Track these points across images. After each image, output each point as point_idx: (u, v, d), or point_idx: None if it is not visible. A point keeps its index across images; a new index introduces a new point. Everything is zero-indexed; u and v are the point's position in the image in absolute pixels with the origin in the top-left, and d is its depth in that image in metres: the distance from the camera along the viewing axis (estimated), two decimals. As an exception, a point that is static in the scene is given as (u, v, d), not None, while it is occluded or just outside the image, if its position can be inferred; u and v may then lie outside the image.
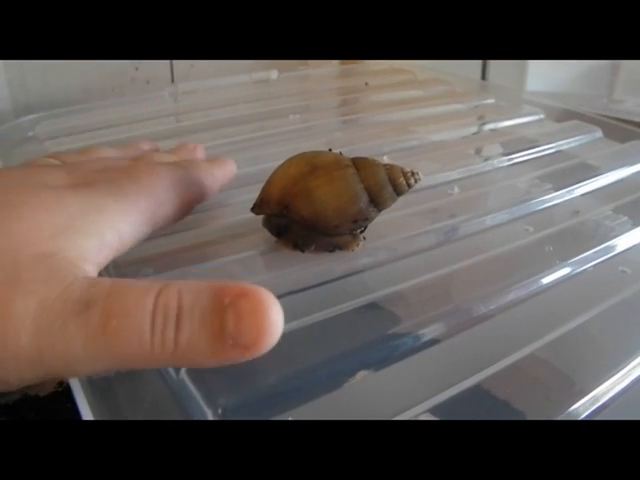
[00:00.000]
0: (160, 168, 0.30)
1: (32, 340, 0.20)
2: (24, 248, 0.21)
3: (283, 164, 0.30)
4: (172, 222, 0.30)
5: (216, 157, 0.37)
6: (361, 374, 0.24)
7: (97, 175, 0.28)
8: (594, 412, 0.23)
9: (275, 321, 0.20)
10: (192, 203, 0.31)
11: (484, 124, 0.55)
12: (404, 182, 0.30)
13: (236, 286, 0.20)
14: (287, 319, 0.20)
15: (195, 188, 0.31)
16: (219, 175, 0.34)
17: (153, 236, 0.28)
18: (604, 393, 0.24)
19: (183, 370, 0.22)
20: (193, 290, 0.20)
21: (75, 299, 0.20)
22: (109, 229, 0.25)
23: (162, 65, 0.66)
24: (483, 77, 0.79)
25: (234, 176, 0.37)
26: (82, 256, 0.23)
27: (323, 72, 0.70)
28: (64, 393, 0.50)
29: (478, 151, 0.49)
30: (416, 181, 0.30)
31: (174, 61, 0.66)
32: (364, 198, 0.29)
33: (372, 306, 0.28)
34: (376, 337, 0.25)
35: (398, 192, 0.30)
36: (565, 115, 0.55)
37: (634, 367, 0.25)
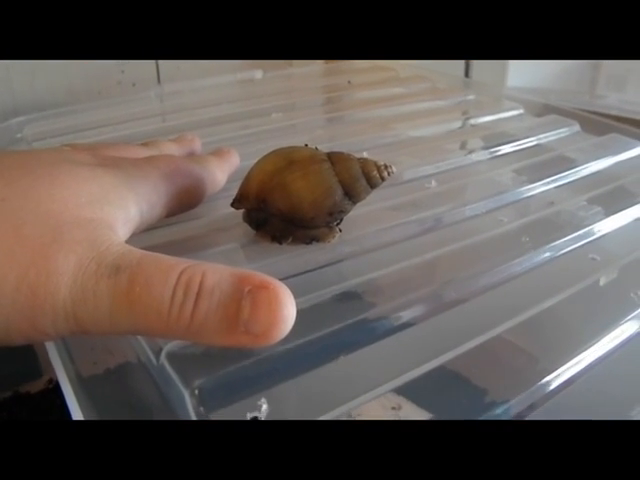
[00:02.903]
0: (178, 159, 0.33)
1: (68, 294, 0.21)
2: (65, 211, 0.23)
3: (260, 160, 0.31)
4: (186, 210, 0.33)
5: (219, 149, 0.39)
6: (335, 356, 0.25)
7: (120, 159, 0.30)
8: (558, 388, 0.24)
9: (287, 317, 0.21)
10: (205, 194, 0.34)
11: (464, 120, 0.56)
12: (377, 175, 0.31)
13: (258, 277, 0.22)
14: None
15: (208, 180, 0.34)
16: (226, 168, 0.37)
17: (139, 232, 0.29)
18: (567, 371, 0.25)
19: (163, 355, 0.23)
20: (217, 273, 0.22)
21: (108, 263, 0.22)
22: (134, 205, 0.27)
23: (148, 67, 0.66)
24: (466, 74, 0.80)
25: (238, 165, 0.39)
26: (113, 224, 0.25)
27: (307, 71, 0.70)
28: (54, 390, 0.51)
29: (457, 146, 0.50)
30: (389, 174, 0.31)
31: (160, 63, 0.67)
32: (339, 191, 0.30)
33: (348, 294, 0.29)
34: (351, 321, 0.26)
35: (372, 185, 0.31)
36: (544, 110, 0.56)
37: (598, 347, 0.26)
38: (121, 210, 0.26)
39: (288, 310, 0.22)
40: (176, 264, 0.22)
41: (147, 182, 0.29)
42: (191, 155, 0.39)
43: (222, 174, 0.36)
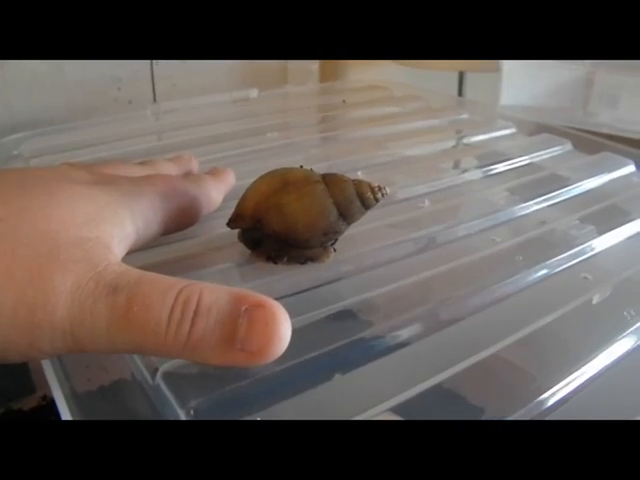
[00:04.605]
0: (175, 178, 0.33)
1: (66, 313, 0.22)
2: (62, 231, 0.23)
3: (256, 181, 0.32)
4: (182, 228, 0.33)
5: (215, 168, 0.39)
6: (330, 376, 0.25)
7: (116, 177, 0.30)
8: (554, 406, 0.24)
9: (283, 335, 0.22)
10: (201, 213, 0.34)
11: (457, 139, 0.56)
12: (371, 196, 0.31)
13: (255, 296, 0.22)
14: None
15: (204, 200, 0.34)
16: (222, 187, 0.37)
17: (135, 250, 0.29)
18: (563, 389, 0.25)
19: (159, 375, 0.24)
20: (214, 292, 0.22)
21: (106, 282, 0.22)
22: (130, 223, 0.27)
23: (144, 85, 0.67)
24: (460, 92, 0.81)
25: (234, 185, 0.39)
26: (110, 243, 0.25)
27: (302, 90, 0.71)
28: (47, 407, 0.51)
29: (451, 165, 0.50)
30: (383, 195, 0.31)
31: (156, 82, 0.67)
32: (333, 212, 0.30)
33: (343, 313, 0.29)
34: (347, 341, 0.26)
35: (366, 206, 0.31)
36: (536, 129, 0.57)
37: (592, 365, 0.26)
38: (117, 228, 0.26)
39: (284, 328, 0.22)
40: (174, 284, 0.22)
41: (143, 200, 0.29)
42: (188, 174, 0.39)
43: (218, 193, 0.36)
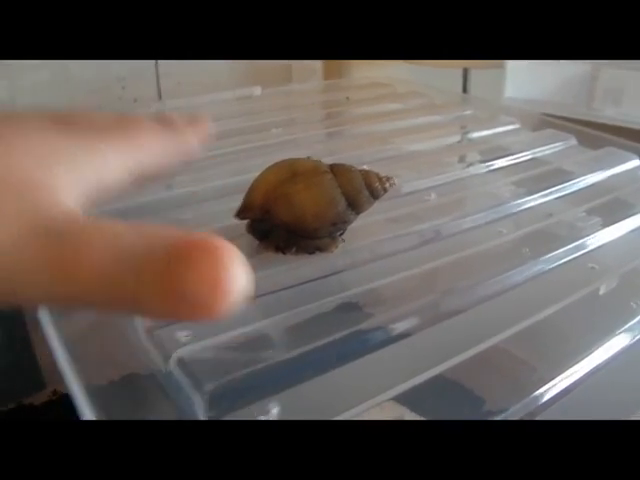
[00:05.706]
0: (145, 122, 0.31)
1: (4, 260, 0.20)
2: (6, 175, 0.22)
3: (264, 171, 0.32)
4: (157, 175, 0.29)
5: (193, 116, 0.38)
6: (338, 364, 0.25)
7: (81, 120, 0.28)
8: (556, 397, 0.25)
9: (232, 282, 0.18)
10: (174, 157, 0.30)
11: (462, 134, 0.56)
12: (380, 186, 0.31)
13: (199, 237, 0.18)
14: (269, 315, 0.22)
15: (178, 143, 0.31)
16: (198, 130, 0.35)
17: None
18: (566, 379, 0.25)
19: (172, 362, 0.24)
20: (158, 238, 0.19)
21: (50, 228, 0.21)
22: (90, 168, 0.25)
23: (149, 83, 0.67)
24: (464, 88, 0.81)
25: (211, 131, 0.37)
26: (62, 188, 0.23)
27: (306, 87, 0.71)
28: (58, 402, 0.51)
29: (456, 159, 0.50)
30: (391, 185, 0.32)
31: (161, 80, 0.68)
32: (342, 202, 0.31)
33: (349, 303, 0.29)
34: (353, 330, 0.27)
35: (374, 196, 0.31)
36: (540, 124, 0.57)
37: (598, 355, 0.27)
38: (72, 172, 0.24)
39: (233, 275, 0.18)
40: (122, 232, 0.20)
41: (108, 143, 0.26)
42: (160, 120, 0.37)
43: (193, 136, 0.34)
